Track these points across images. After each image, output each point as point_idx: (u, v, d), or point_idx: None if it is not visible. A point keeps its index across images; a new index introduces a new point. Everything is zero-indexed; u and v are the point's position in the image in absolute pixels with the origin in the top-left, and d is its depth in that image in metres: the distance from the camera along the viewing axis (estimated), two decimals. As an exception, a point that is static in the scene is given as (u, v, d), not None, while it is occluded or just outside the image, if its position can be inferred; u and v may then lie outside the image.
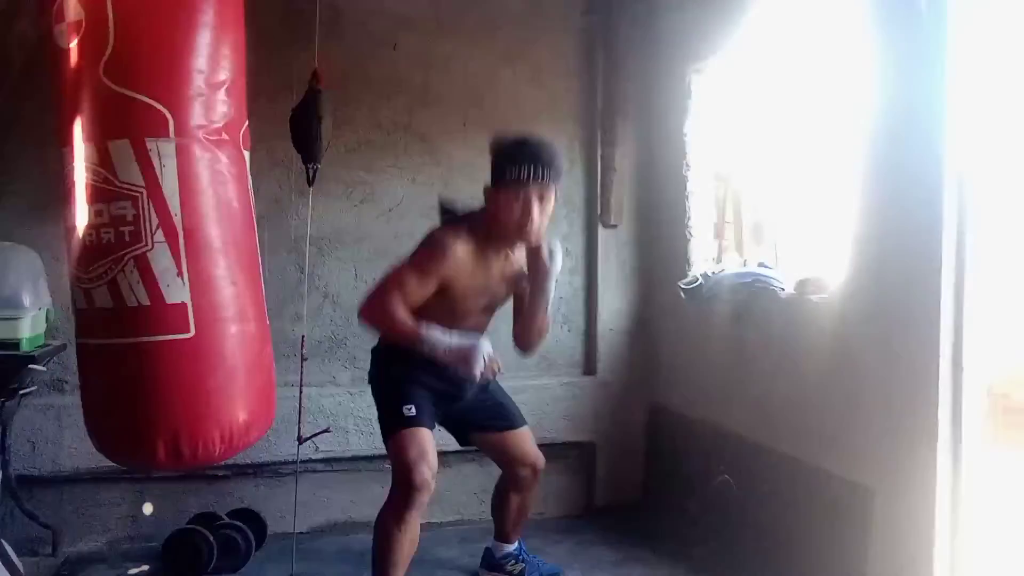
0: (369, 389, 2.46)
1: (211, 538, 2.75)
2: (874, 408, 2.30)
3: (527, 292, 2.41)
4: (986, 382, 2.16)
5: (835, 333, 2.45)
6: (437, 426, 2.44)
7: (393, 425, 2.33)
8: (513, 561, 2.75)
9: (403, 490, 2.25)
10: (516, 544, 2.77)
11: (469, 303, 2.34)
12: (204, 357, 2.02)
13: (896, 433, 2.22)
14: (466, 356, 2.20)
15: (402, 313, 2.21)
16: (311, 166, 2.61)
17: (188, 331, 1.99)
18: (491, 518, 2.79)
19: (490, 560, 2.79)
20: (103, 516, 3.02)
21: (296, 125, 2.58)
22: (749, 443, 2.85)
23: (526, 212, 2.22)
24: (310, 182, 2.63)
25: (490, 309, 2.45)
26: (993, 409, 2.16)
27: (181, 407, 2.00)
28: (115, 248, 1.96)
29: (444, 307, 2.29)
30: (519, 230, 2.25)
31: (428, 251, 2.27)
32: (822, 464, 2.49)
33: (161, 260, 1.96)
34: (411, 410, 2.30)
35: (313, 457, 3.07)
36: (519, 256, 2.39)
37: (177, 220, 1.97)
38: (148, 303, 1.95)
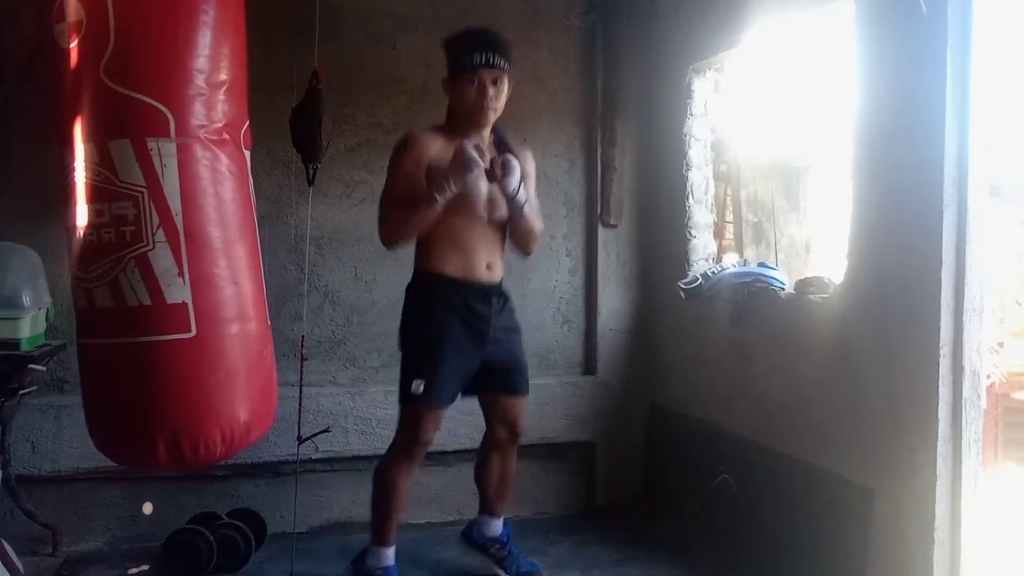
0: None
1: (211, 538, 2.75)
2: (874, 408, 2.30)
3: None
4: (986, 382, 2.16)
5: (835, 333, 2.45)
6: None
7: (404, 399, 2.43)
8: (498, 546, 2.71)
9: (407, 441, 2.43)
10: (502, 527, 2.72)
11: (470, 204, 2.40)
12: (205, 357, 2.02)
13: (896, 433, 2.22)
14: (457, 163, 2.28)
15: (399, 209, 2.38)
16: (311, 166, 2.61)
17: (189, 331, 1.99)
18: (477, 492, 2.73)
19: (472, 537, 2.74)
20: (103, 516, 3.01)
21: (296, 125, 2.57)
22: (749, 443, 2.85)
23: (481, 93, 2.40)
24: (310, 182, 2.63)
25: (496, 214, 2.47)
26: (993, 409, 2.16)
27: (182, 407, 2.00)
28: (116, 248, 1.96)
29: (451, 219, 2.38)
30: (477, 111, 2.41)
31: (394, 154, 2.45)
32: (822, 464, 2.49)
33: (162, 260, 1.97)
34: (419, 387, 2.38)
35: (313, 457, 3.07)
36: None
37: (178, 220, 1.97)
38: (149, 303, 1.96)
